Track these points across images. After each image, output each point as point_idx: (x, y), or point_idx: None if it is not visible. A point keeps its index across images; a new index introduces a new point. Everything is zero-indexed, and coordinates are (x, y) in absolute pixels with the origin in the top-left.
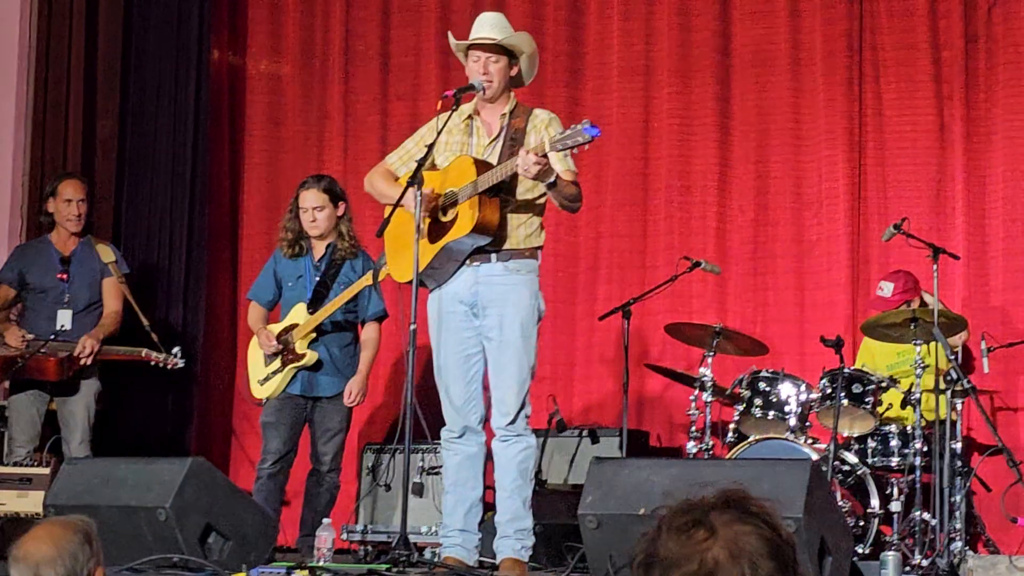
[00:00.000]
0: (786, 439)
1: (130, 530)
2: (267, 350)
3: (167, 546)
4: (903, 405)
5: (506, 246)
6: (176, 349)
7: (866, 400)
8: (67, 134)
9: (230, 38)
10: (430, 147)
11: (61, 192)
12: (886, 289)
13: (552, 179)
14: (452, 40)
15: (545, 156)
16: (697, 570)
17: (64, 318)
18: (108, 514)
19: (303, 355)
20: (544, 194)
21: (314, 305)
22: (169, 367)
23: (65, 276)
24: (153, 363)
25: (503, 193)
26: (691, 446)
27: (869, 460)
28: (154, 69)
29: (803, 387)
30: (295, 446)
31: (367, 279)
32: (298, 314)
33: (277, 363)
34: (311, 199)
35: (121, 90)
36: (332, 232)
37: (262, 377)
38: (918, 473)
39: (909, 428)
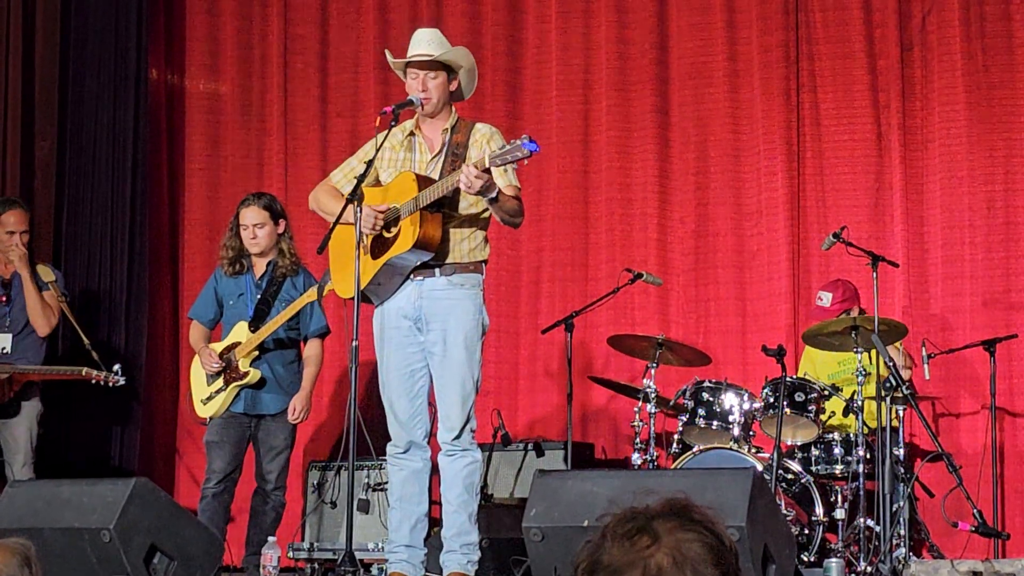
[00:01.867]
0: (730, 448)
1: (74, 552)
2: (209, 369)
3: (112, 568)
4: (845, 413)
5: (449, 260)
6: (117, 367)
7: (809, 408)
8: (5, 156)
9: (167, 57)
10: (369, 163)
11: (4, 222)
12: (825, 299)
13: (494, 194)
14: (390, 58)
15: (487, 171)
16: None
17: (4, 341)
18: (52, 536)
19: (246, 373)
20: (487, 208)
21: (256, 323)
22: (110, 385)
23: (5, 299)
24: (94, 381)
25: (446, 208)
26: (636, 457)
27: (813, 468)
28: (92, 90)
29: (746, 396)
30: (239, 465)
31: (309, 295)
32: (240, 332)
33: (220, 382)
34: (251, 216)
35: (59, 111)
36: (272, 250)
37: (205, 396)
38: (862, 480)
39: (852, 436)
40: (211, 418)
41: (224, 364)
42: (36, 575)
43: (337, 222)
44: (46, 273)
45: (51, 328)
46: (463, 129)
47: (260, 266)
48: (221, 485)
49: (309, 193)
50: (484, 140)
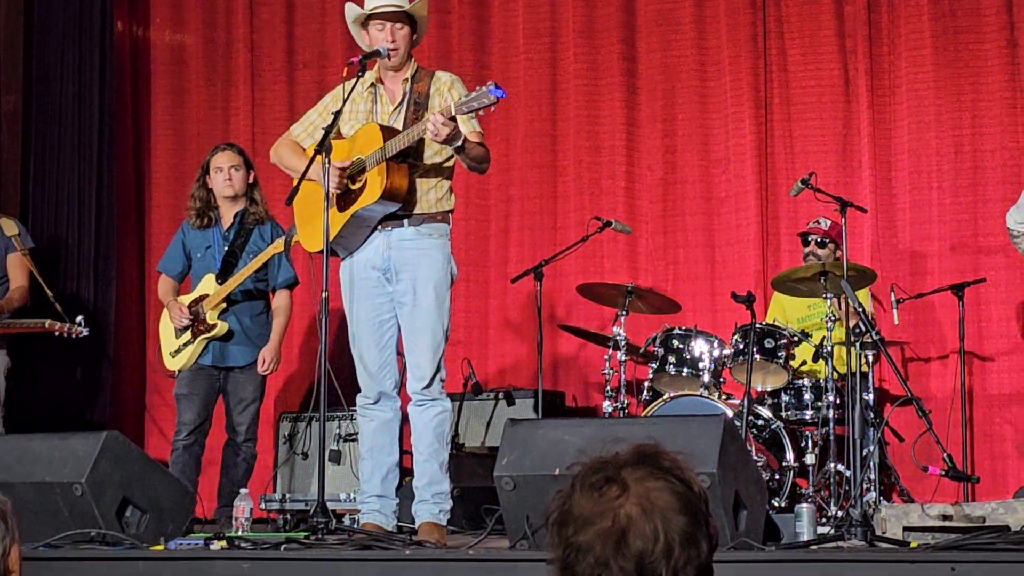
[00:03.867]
0: (700, 395)
1: (46, 506)
2: (177, 323)
3: (84, 521)
4: (815, 358)
5: (417, 211)
6: (79, 318)
7: (779, 354)
8: None
9: (131, 8)
10: (337, 114)
11: None
12: (823, 223)
13: (460, 142)
14: (356, 9)
15: (453, 119)
16: (610, 527)
17: None
18: (23, 491)
19: (213, 326)
20: (452, 157)
21: (223, 275)
22: (74, 336)
23: None
24: (57, 333)
25: (411, 158)
26: (606, 405)
27: (783, 414)
28: (57, 43)
29: (716, 343)
30: (209, 417)
31: (276, 246)
32: (207, 285)
33: (188, 335)
34: (226, 159)
35: (24, 64)
36: (243, 198)
37: (173, 349)
38: (832, 425)
39: (821, 381)
40: (180, 371)
41: (192, 317)
42: (12, 529)
43: (304, 175)
44: (9, 226)
45: (28, 295)
46: (424, 78)
47: (228, 218)
48: (191, 437)
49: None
50: (446, 88)
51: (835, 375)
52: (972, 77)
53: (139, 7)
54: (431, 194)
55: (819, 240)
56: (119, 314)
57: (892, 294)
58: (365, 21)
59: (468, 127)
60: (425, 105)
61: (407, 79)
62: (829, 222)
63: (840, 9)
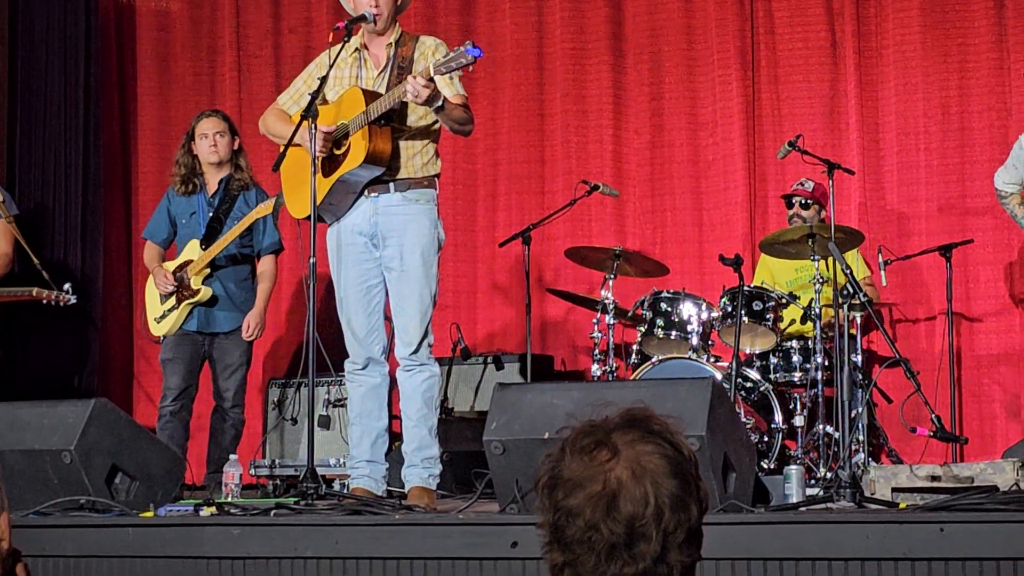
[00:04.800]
0: (689, 358)
1: (35, 474)
2: (162, 289)
3: (73, 489)
4: (803, 320)
5: (402, 175)
6: (67, 285)
7: (767, 317)
8: None
9: None
10: (322, 80)
11: None
12: (807, 184)
13: (440, 103)
14: None
15: (432, 80)
16: (601, 490)
17: None
18: (12, 458)
19: (197, 291)
20: (437, 121)
21: (207, 241)
22: (61, 303)
23: None
24: (44, 301)
25: (395, 122)
26: (595, 369)
27: (772, 376)
28: (42, 9)
29: (704, 306)
30: (195, 382)
31: (264, 208)
32: (192, 250)
33: (173, 300)
34: (211, 125)
35: (9, 31)
36: (228, 164)
37: (158, 315)
38: (820, 387)
39: (810, 343)
40: (165, 336)
41: (177, 283)
42: (1, 497)
43: (291, 141)
44: None
45: (11, 261)
46: (408, 42)
47: (213, 184)
48: (178, 403)
49: (262, 111)
50: (430, 52)
51: (823, 337)
52: (959, 38)
53: None
54: (417, 159)
55: (803, 202)
56: (106, 281)
57: (880, 256)
58: None
59: (452, 90)
60: (409, 69)
61: (391, 44)
62: (812, 184)
63: None
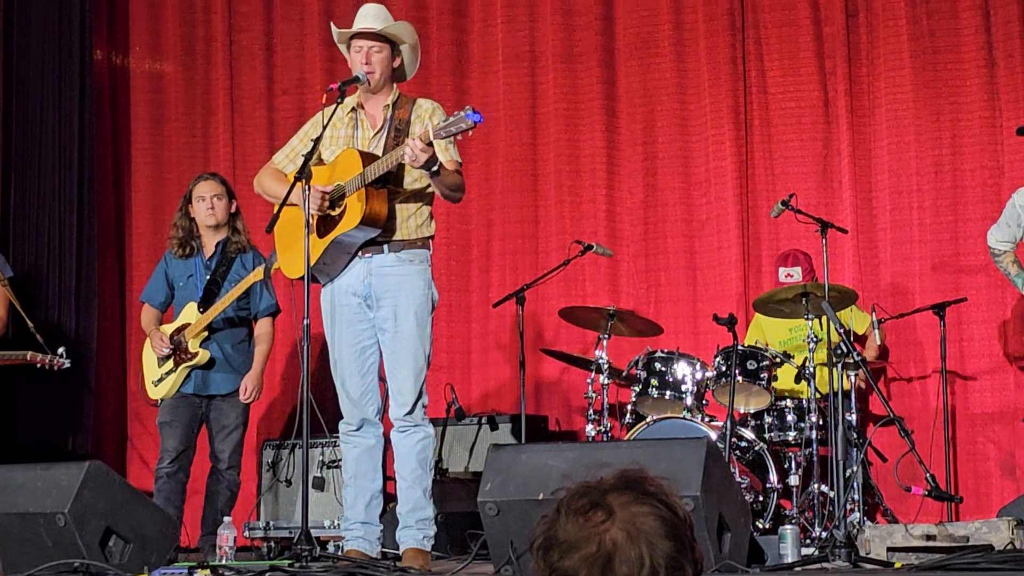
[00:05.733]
0: (683, 418)
1: (30, 537)
2: (159, 352)
3: (67, 551)
4: (797, 380)
5: (397, 237)
6: (61, 349)
7: (761, 376)
8: None
9: (110, 36)
10: (316, 141)
11: None
12: (796, 274)
13: (436, 167)
14: (335, 30)
15: (431, 144)
16: (596, 552)
17: None
18: (6, 522)
19: (195, 354)
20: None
21: (205, 303)
22: (55, 368)
23: None
24: (39, 365)
25: (391, 184)
26: (589, 429)
27: (766, 435)
28: (37, 71)
29: (698, 366)
30: (192, 444)
31: (257, 274)
32: (189, 313)
33: (170, 363)
34: (209, 188)
35: (4, 93)
36: (226, 227)
37: (156, 378)
38: (815, 446)
39: (804, 402)
40: (162, 399)
41: (174, 346)
42: None
43: (285, 202)
44: None
45: (5, 325)
46: (405, 105)
47: (210, 247)
48: (175, 464)
49: (256, 172)
50: (427, 115)
51: (817, 396)
52: (951, 97)
53: (118, 35)
54: (411, 220)
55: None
56: (100, 343)
57: (873, 314)
58: (349, 43)
59: (447, 156)
60: (406, 132)
61: (388, 105)
62: (799, 269)
63: (819, 30)
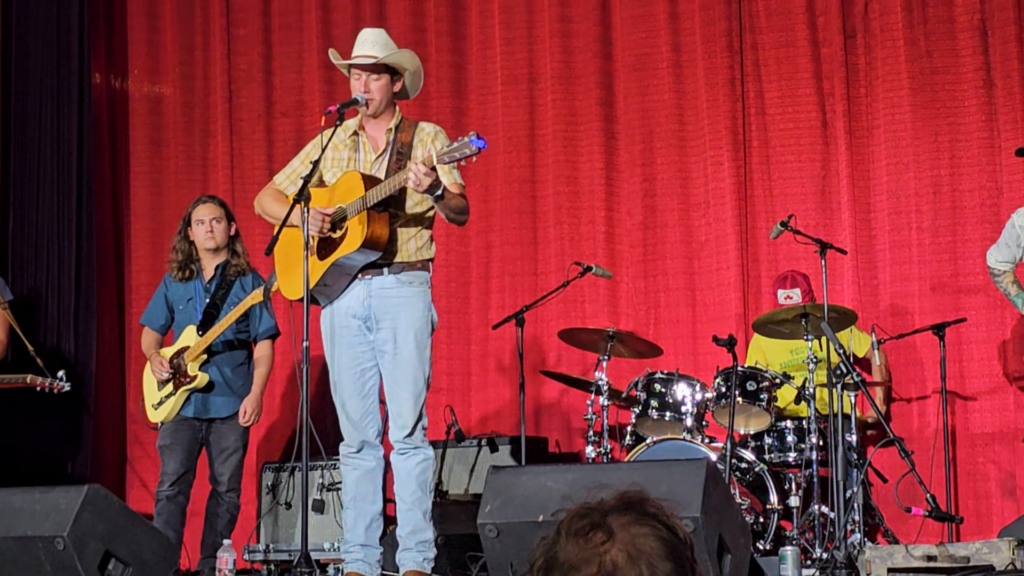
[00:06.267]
0: (683, 439)
1: (28, 560)
2: (159, 376)
3: (66, 575)
4: (797, 400)
5: (397, 259)
6: (61, 373)
7: (761, 397)
8: None
9: (108, 60)
10: (315, 163)
11: None
12: (796, 296)
13: (440, 191)
14: (334, 58)
15: (434, 169)
16: (596, 573)
17: None
18: (5, 545)
19: (194, 377)
20: (433, 207)
21: (204, 327)
22: (55, 391)
23: None
24: (39, 388)
25: (392, 207)
26: (589, 450)
27: (766, 456)
28: (36, 95)
29: (698, 387)
30: (192, 467)
31: (255, 296)
32: (188, 336)
33: (170, 387)
34: (208, 211)
35: (2, 116)
36: (225, 249)
37: (156, 401)
38: (815, 467)
39: (804, 423)
40: (162, 423)
41: (174, 370)
42: None
43: (284, 224)
44: None
45: (6, 348)
46: (407, 128)
47: (209, 269)
48: (175, 488)
49: (255, 195)
50: (429, 139)
51: (817, 416)
52: (949, 117)
53: (116, 58)
54: (411, 243)
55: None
56: (99, 366)
57: (873, 335)
58: (348, 69)
59: (450, 179)
60: (408, 155)
61: (391, 129)
62: (798, 291)
63: (817, 51)
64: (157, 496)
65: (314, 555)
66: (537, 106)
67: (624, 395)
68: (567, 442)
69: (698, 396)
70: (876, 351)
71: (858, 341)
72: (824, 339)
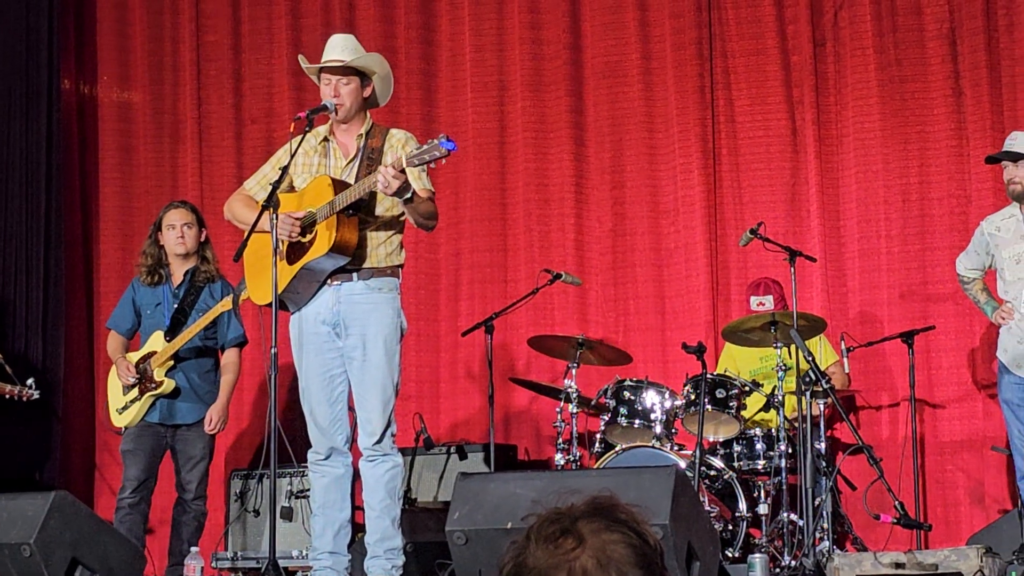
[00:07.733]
0: (652, 447)
1: None
2: (124, 381)
3: None
4: (766, 408)
5: (366, 265)
6: (30, 380)
7: (730, 405)
8: None
9: (78, 65)
10: (284, 169)
11: None
12: (768, 302)
13: (409, 195)
14: (303, 64)
15: (403, 171)
16: None
17: None
18: None
19: (160, 383)
20: (403, 213)
21: (172, 332)
22: (24, 399)
23: None
24: (7, 396)
25: (361, 212)
26: (559, 458)
27: (735, 464)
28: (3, 100)
29: (667, 394)
30: (154, 474)
31: (225, 304)
32: (156, 342)
33: (135, 392)
34: (179, 216)
35: None
36: (195, 255)
37: (120, 406)
38: (784, 475)
39: (773, 431)
40: (126, 428)
41: (139, 375)
42: None
43: (253, 229)
44: None
45: None
46: (378, 134)
47: (178, 275)
48: (136, 495)
49: (224, 202)
50: (399, 145)
51: (787, 424)
52: (919, 125)
53: (86, 65)
54: (381, 249)
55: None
56: (68, 373)
57: (843, 343)
58: (319, 74)
59: (420, 184)
60: (378, 161)
61: (361, 135)
62: (771, 298)
63: (787, 59)
64: (119, 504)
65: (282, 562)
66: (507, 113)
67: (593, 402)
68: (536, 449)
69: (667, 403)
70: (845, 359)
71: (826, 352)
72: (794, 347)
